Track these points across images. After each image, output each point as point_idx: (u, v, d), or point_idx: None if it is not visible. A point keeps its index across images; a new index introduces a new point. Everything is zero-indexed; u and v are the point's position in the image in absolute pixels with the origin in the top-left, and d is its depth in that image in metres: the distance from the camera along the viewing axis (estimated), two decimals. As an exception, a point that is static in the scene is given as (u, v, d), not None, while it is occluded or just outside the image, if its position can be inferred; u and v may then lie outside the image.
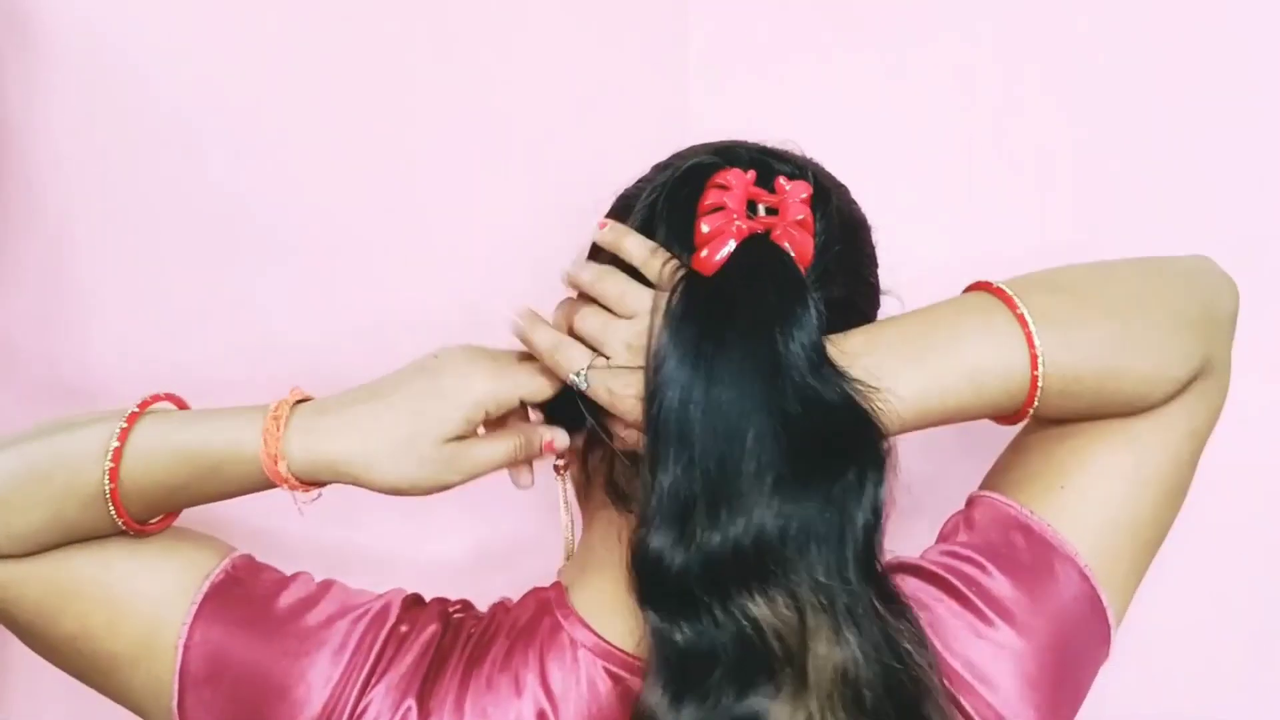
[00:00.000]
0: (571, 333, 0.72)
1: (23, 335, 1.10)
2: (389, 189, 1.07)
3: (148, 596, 0.74)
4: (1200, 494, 1.02)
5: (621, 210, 0.76)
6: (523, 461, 0.75)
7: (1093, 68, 1.05)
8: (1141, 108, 1.05)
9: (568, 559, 0.78)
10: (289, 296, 1.06)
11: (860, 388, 0.68)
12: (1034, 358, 0.70)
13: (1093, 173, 1.06)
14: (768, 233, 0.69)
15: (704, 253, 0.68)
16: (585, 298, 0.72)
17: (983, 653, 0.72)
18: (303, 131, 1.06)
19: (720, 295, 0.68)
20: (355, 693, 0.71)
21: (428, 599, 0.78)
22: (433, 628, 0.74)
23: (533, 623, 0.74)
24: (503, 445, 0.73)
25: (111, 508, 0.72)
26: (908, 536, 0.75)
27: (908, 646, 0.67)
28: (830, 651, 0.66)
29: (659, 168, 0.77)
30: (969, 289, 0.76)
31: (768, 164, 0.72)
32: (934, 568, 0.75)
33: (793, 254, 0.69)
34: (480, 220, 1.06)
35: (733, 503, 0.66)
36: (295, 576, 0.77)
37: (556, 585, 0.76)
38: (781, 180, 0.71)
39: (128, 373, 1.07)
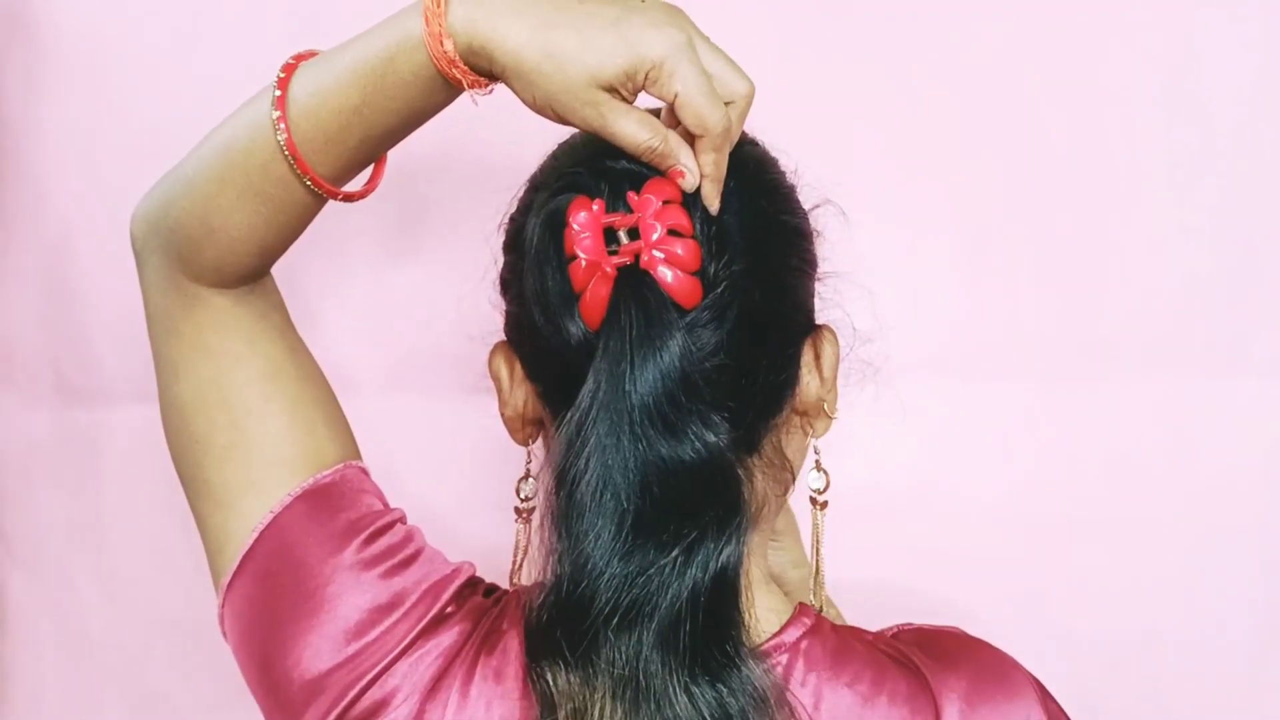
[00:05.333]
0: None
1: (23, 335, 1.11)
2: (388, 188, 1.06)
3: (266, 456, 0.72)
4: (1199, 492, 1.03)
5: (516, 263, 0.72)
6: (651, 158, 0.65)
7: (1092, 68, 1.05)
8: (1141, 107, 1.05)
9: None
10: (289, 296, 1.06)
11: (719, 437, 0.64)
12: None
13: (1092, 172, 1.06)
14: (636, 261, 0.63)
15: (585, 312, 0.64)
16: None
17: None
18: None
19: (605, 350, 0.63)
20: (380, 668, 0.68)
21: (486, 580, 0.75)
22: (466, 625, 0.70)
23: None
24: (647, 129, 0.64)
25: (288, 155, 0.68)
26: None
27: None
28: None
29: (523, 208, 0.72)
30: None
31: (617, 179, 0.65)
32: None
33: (669, 273, 0.63)
34: (480, 220, 1.06)
35: (568, 563, 0.64)
36: (389, 514, 0.74)
37: None
38: (631, 195, 0.64)
39: (128, 373, 1.08)
